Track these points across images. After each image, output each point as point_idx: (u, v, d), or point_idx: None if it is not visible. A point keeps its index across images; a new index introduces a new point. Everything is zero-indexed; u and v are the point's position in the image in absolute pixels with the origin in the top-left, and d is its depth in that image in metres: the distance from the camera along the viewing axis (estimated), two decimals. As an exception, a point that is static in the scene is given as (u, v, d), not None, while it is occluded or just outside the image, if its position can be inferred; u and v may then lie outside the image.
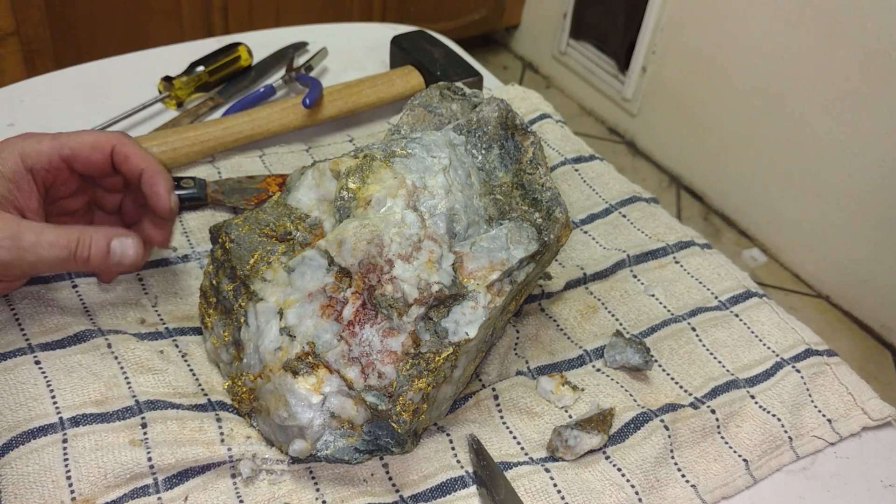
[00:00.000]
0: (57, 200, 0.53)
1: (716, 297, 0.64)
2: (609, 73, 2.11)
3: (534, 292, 0.61)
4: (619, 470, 0.51)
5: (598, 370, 0.57)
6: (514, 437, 0.52)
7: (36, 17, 1.46)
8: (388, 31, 0.92)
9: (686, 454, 0.53)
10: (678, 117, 1.95)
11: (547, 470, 0.50)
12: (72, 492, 0.44)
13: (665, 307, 0.63)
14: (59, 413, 0.46)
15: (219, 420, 0.49)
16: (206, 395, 0.51)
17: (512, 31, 2.44)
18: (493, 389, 0.54)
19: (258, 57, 0.86)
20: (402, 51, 0.83)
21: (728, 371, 0.59)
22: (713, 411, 0.55)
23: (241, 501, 0.46)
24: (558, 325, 0.60)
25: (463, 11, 2.20)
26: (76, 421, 0.46)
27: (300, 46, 0.89)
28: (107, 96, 0.78)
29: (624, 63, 2.05)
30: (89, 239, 0.47)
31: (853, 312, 1.69)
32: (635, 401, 0.55)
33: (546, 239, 0.51)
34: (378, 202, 0.49)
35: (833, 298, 1.73)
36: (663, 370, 0.58)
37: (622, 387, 0.56)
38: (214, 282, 0.53)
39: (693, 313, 0.62)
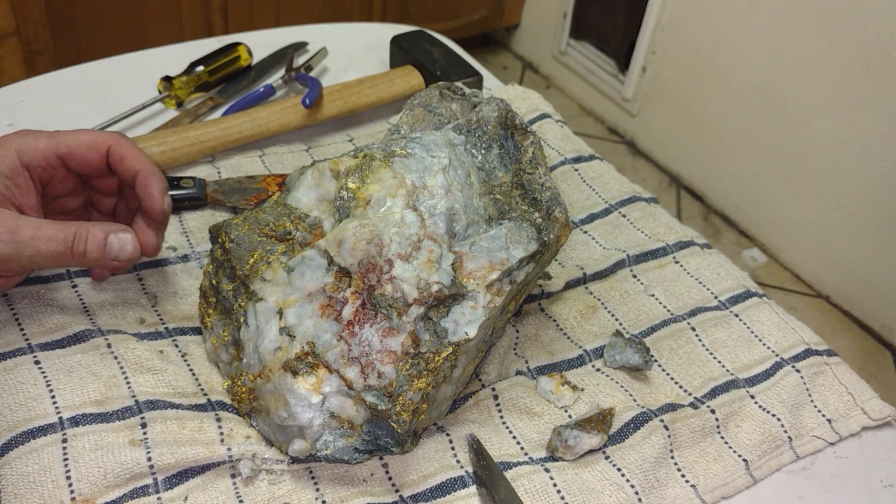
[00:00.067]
0: (54, 199, 0.53)
1: (716, 297, 0.64)
2: (609, 73, 2.11)
3: (533, 292, 0.61)
4: (619, 470, 0.51)
5: (598, 370, 0.57)
6: (514, 437, 0.52)
7: (36, 17, 1.46)
8: (388, 31, 0.92)
9: (686, 454, 0.53)
10: (678, 117, 1.95)
11: (547, 470, 0.50)
12: (71, 492, 0.44)
13: (665, 307, 0.63)
14: (58, 413, 0.46)
15: (218, 420, 0.49)
16: (205, 395, 0.51)
17: (512, 31, 2.44)
18: (493, 389, 0.54)
19: (258, 57, 0.86)
20: (401, 51, 0.83)
21: (728, 371, 0.59)
22: (713, 411, 0.55)
23: (240, 501, 0.46)
24: (558, 325, 0.60)
25: (463, 11, 2.20)
26: (76, 421, 0.46)
27: (300, 46, 0.89)
28: (107, 96, 0.78)
29: (624, 63, 2.05)
30: (86, 233, 0.47)
31: (853, 312, 1.69)
32: (635, 401, 0.55)
33: (546, 239, 0.51)
34: (378, 202, 0.49)
35: (833, 298, 1.72)
36: (663, 370, 0.58)
37: (622, 387, 0.56)
38: (214, 282, 0.53)
39: (693, 313, 0.62)
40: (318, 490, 0.47)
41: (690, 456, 0.53)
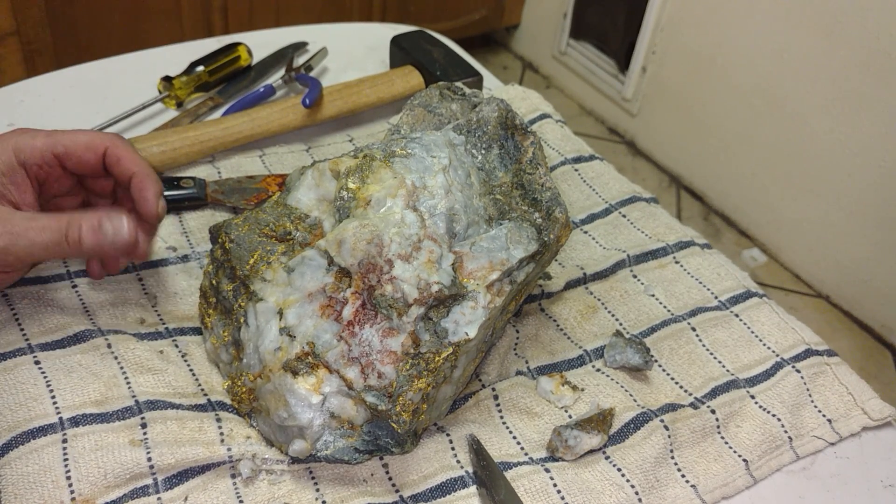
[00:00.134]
0: (51, 198, 0.53)
1: (716, 297, 0.64)
2: (609, 73, 2.11)
3: (534, 292, 0.61)
4: (619, 470, 0.51)
5: (598, 370, 0.57)
6: (514, 437, 0.52)
7: (36, 17, 1.46)
8: (388, 31, 0.92)
9: (686, 454, 0.53)
10: (678, 117, 1.95)
11: (547, 470, 0.50)
12: (71, 492, 0.44)
13: (665, 307, 0.63)
14: (58, 413, 0.46)
15: (219, 420, 0.49)
16: (205, 395, 0.51)
17: (512, 31, 2.44)
18: (493, 389, 0.54)
19: (258, 57, 0.86)
20: (402, 51, 0.83)
21: (728, 371, 0.59)
22: (713, 411, 0.55)
23: (240, 501, 0.46)
24: (558, 325, 0.60)
25: (463, 11, 2.20)
26: (76, 421, 0.46)
27: (300, 46, 0.89)
28: (107, 96, 0.78)
29: (624, 63, 2.05)
30: (80, 219, 0.47)
31: (853, 312, 1.69)
32: (635, 401, 0.55)
33: (546, 239, 0.51)
34: (378, 202, 0.49)
35: (833, 298, 1.72)
36: (663, 370, 0.58)
37: (622, 387, 0.56)
38: (214, 282, 0.53)
39: (693, 313, 0.62)
40: (318, 490, 0.47)
41: (691, 456, 0.53)
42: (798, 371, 0.59)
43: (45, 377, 0.48)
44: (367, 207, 0.49)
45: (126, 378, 0.49)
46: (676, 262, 0.67)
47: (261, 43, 0.87)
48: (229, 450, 0.47)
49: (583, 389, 0.55)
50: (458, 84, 0.59)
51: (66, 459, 0.45)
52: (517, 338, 0.58)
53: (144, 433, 0.47)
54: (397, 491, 0.48)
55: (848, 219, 1.62)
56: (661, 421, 0.53)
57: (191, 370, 0.52)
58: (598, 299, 0.63)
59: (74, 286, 0.55)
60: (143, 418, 0.47)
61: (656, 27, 1.91)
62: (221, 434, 0.48)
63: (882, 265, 1.59)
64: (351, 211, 0.49)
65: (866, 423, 0.57)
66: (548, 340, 0.59)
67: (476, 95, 0.57)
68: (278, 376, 0.47)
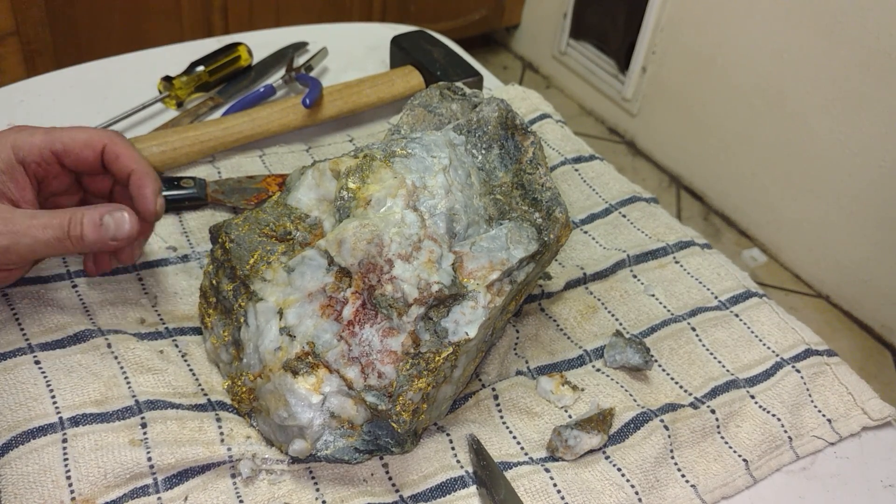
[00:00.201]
0: (50, 196, 0.53)
1: (716, 297, 0.64)
2: (609, 73, 2.11)
3: (534, 292, 0.61)
4: (619, 470, 0.51)
5: (598, 370, 0.57)
6: (514, 437, 0.52)
7: (36, 17, 1.46)
8: (388, 31, 0.92)
9: (686, 454, 0.53)
10: (678, 117, 1.95)
11: (547, 470, 0.50)
12: (72, 492, 0.44)
13: (665, 307, 0.63)
14: (58, 413, 0.46)
15: (219, 420, 0.49)
16: (205, 395, 0.51)
17: (512, 31, 2.44)
18: (493, 389, 0.54)
19: (258, 57, 0.86)
20: (402, 51, 0.83)
21: (728, 371, 0.59)
22: (713, 411, 0.55)
23: (241, 501, 0.46)
24: (558, 325, 0.60)
25: (463, 11, 2.20)
26: (76, 421, 0.46)
27: (300, 46, 0.89)
28: (107, 96, 0.78)
29: (624, 63, 2.05)
30: (81, 216, 0.47)
31: (853, 312, 1.69)
32: (635, 401, 0.55)
33: (546, 239, 0.51)
34: (378, 202, 0.49)
35: (833, 298, 1.72)
36: (663, 370, 0.58)
37: (622, 387, 0.56)
38: (214, 282, 0.53)
39: (693, 313, 0.62)
40: (318, 490, 0.47)
41: (690, 456, 0.53)
42: (798, 371, 0.59)
43: (45, 377, 0.48)
44: (367, 207, 0.49)
45: (126, 378, 0.49)
46: (676, 262, 0.67)
47: (261, 43, 0.87)
48: (229, 449, 0.47)
49: (583, 389, 0.55)
50: (459, 84, 0.59)
51: (66, 459, 0.45)
52: (517, 338, 0.58)
53: (144, 433, 0.47)
54: (397, 491, 0.48)
55: (848, 219, 1.62)
56: (661, 421, 0.53)
57: (191, 370, 0.52)
58: (598, 299, 0.63)
59: (74, 286, 0.55)
60: (143, 418, 0.47)
61: (656, 27, 1.91)
62: (221, 434, 0.48)
63: (882, 265, 1.59)
64: (351, 211, 0.49)
65: (866, 423, 0.57)
66: (548, 340, 0.59)
67: (476, 95, 0.57)
68: (278, 376, 0.47)
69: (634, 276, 0.65)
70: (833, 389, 0.58)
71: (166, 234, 0.61)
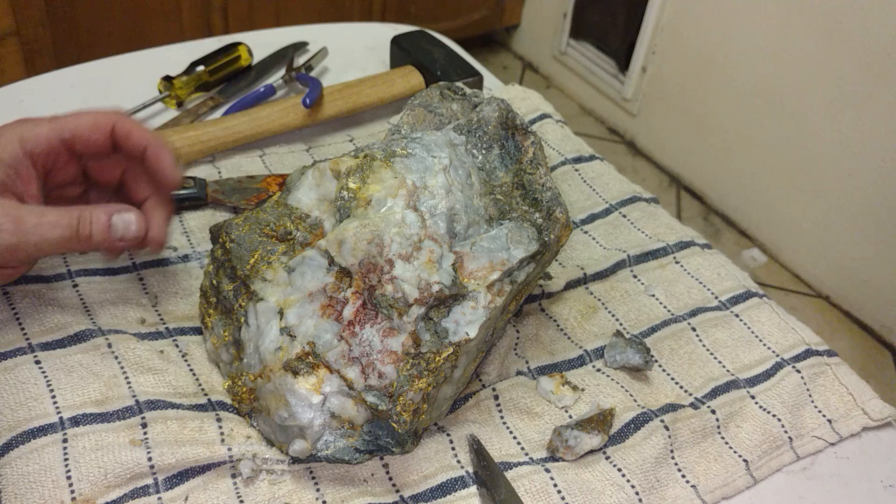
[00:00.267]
0: (55, 188, 0.52)
1: (716, 298, 0.64)
2: (609, 73, 2.12)
3: (534, 292, 0.61)
4: (620, 470, 0.51)
5: (599, 370, 0.57)
6: (515, 438, 0.52)
7: (36, 17, 1.46)
8: (388, 31, 0.92)
9: (686, 454, 0.53)
10: (678, 117, 1.95)
11: (547, 470, 0.50)
12: (72, 492, 0.44)
13: (665, 307, 0.63)
14: (59, 413, 0.46)
15: (219, 420, 0.49)
16: (206, 395, 0.51)
17: (512, 31, 2.44)
18: (494, 389, 0.54)
19: (258, 57, 0.86)
20: (402, 51, 0.83)
21: (728, 371, 0.59)
22: (713, 411, 0.55)
23: (241, 501, 0.46)
24: (558, 325, 0.60)
25: (463, 11, 2.20)
26: (76, 421, 0.46)
27: (300, 46, 0.89)
28: (107, 96, 0.78)
29: (624, 63, 2.05)
30: (90, 215, 0.47)
31: (853, 312, 1.69)
32: (635, 401, 0.55)
33: (546, 239, 0.51)
34: (378, 202, 0.49)
35: (833, 298, 1.73)
36: (663, 370, 0.58)
37: (622, 387, 0.56)
38: (214, 281, 0.53)
39: (693, 313, 0.62)
40: (318, 490, 0.47)
41: (691, 456, 0.53)
42: (798, 371, 0.59)
43: (45, 377, 0.48)
44: (367, 207, 0.49)
45: (126, 378, 0.49)
46: (677, 263, 0.67)
47: (261, 43, 0.87)
48: (230, 450, 0.47)
49: (583, 389, 0.55)
50: (459, 84, 0.59)
51: (66, 459, 0.45)
52: (517, 338, 0.58)
53: (145, 433, 0.47)
54: (397, 491, 0.48)
55: (848, 219, 1.62)
56: (662, 421, 0.53)
57: (191, 370, 0.52)
58: (599, 299, 0.63)
59: (75, 285, 0.55)
60: (143, 418, 0.47)
61: (656, 27, 1.91)
62: (222, 434, 0.48)
63: (882, 265, 1.59)
64: (351, 211, 0.49)
65: (866, 423, 0.57)
66: (548, 340, 0.59)
67: (476, 95, 0.57)
68: (279, 376, 0.47)
69: (635, 277, 0.65)
70: (833, 390, 0.58)
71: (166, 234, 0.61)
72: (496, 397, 0.54)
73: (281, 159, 0.72)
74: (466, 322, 0.47)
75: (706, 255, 0.68)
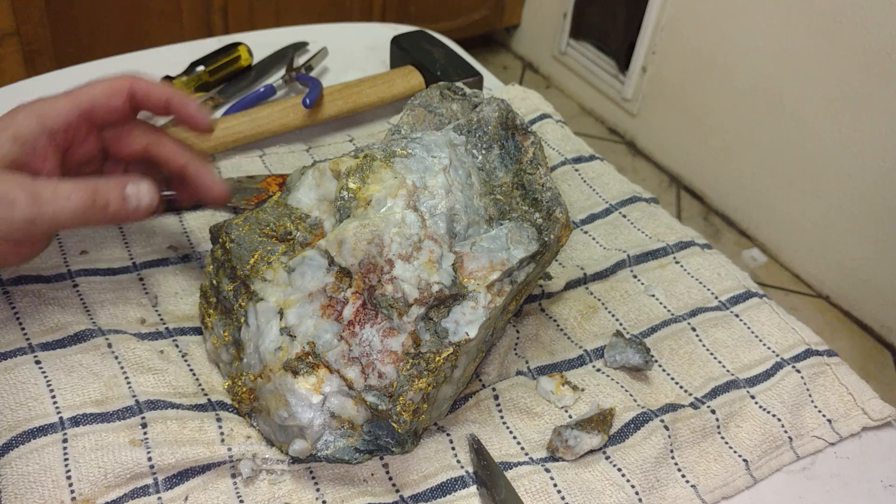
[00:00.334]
0: (73, 167, 0.51)
1: (716, 298, 0.64)
2: (609, 73, 2.12)
3: (534, 292, 0.61)
4: (620, 470, 0.51)
5: (599, 370, 0.57)
6: (515, 437, 0.52)
7: (36, 17, 1.46)
8: (388, 31, 0.92)
9: (686, 454, 0.53)
10: (678, 117, 1.95)
11: (547, 470, 0.50)
12: (72, 492, 0.44)
13: (665, 307, 0.63)
14: (59, 413, 0.46)
15: (219, 420, 0.49)
16: (206, 395, 0.51)
17: (512, 31, 2.44)
18: (494, 389, 0.54)
19: (258, 57, 0.86)
20: (402, 51, 0.83)
21: (728, 371, 0.59)
22: (713, 411, 0.55)
23: (241, 501, 0.46)
24: (558, 325, 0.60)
25: (463, 11, 2.20)
26: (76, 421, 0.46)
27: (300, 46, 0.89)
28: (107, 96, 0.78)
29: (624, 63, 2.05)
30: (105, 185, 0.46)
31: (853, 312, 1.69)
32: (635, 401, 0.55)
33: (546, 239, 0.51)
34: (378, 202, 0.49)
35: (833, 298, 1.73)
36: (663, 370, 0.58)
37: (622, 387, 0.56)
38: (214, 282, 0.53)
39: (693, 313, 0.62)
40: (318, 490, 0.47)
41: (691, 456, 0.53)
42: (798, 371, 0.59)
43: (45, 377, 0.48)
44: (367, 207, 0.49)
45: (126, 378, 0.49)
46: (677, 263, 0.67)
47: (261, 43, 0.87)
48: (230, 450, 0.47)
49: (583, 389, 0.55)
50: (459, 84, 0.59)
51: (66, 459, 0.45)
52: (517, 338, 0.58)
53: (145, 433, 0.47)
54: (397, 491, 0.48)
55: (848, 219, 1.62)
56: (662, 421, 0.53)
57: (191, 370, 0.52)
58: (599, 299, 0.63)
59: (75, 285, 0.55)
60: (143, 418, 0.47)
61: (656, 27, 1.91)
62: (222, 434, 0.48)
63: (882, 265, 1.59)
64: (351, 211, 0.49)
65: (866, 423, 0.57)
66: (548, 340, 0.59)
67: (476, 95, 0.57)
68: (279, 376, 0.47)
69: (635, 277, 0.65)
70: (833, 389, 0.58)
71: (166, 234, 0.61)
72: (496, 397, 0.54)
73: (281, 159, 0.72)
74: (466, 322, 0.47)
75: (706, 255, 0.68)
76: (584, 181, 0.74)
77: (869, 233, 1.59)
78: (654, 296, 0.63)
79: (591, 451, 0.51)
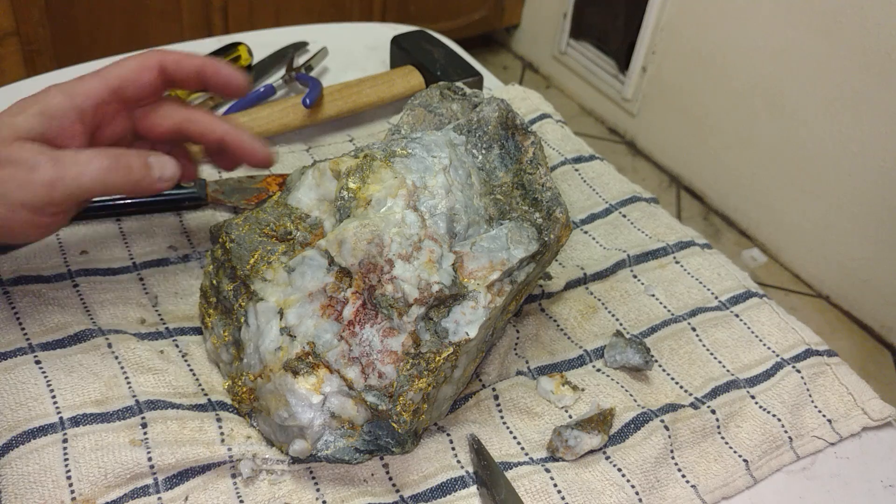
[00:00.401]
0: (101, 146, 0.50)
1: (716, 298, 0.64)
2: (609, 73, 2.12)
3: (534, 292, 0.61)
4: (620, 470, 0.51)
5: (599, 370, 0.57)
6: (515, 438, 0.52)
7: (36, 17, 1.46)
8: (388, 31, 0.92)
9: (686, 454, 0.53)
10: (678, 117, 1.95)
11: (547, 470, 0.50)
12: (72, 492, 0.44)
13: (665, 307, 0.63)
14: (59, 413, 0.46)
15: (219, 420, 0.49)
16: (206, 395, 0.51)
17: (512, 31, 2.44)
18: (494, 389, 0.54)
19: (258, 57, 0.86)
20: (402, 51, 0.83)
21: (728, 371, 0.59)
22: (713, 411, 0.55)
23: (241, 501, 0.46)
24: (558, 325, 0.60)
25: (463, 11, 2.20)
26: (76, 421, 0.46)
27: (300, 46, 0.89)
28: (107, 96, 0.78)
29: (624, 63, 2.05)
30: (127, 152, 0.46)
31: (853, 312, 1.69)
32: (635, 401, 0.55)
33: (546, 239, 0.51)
34: (378, 202, 0.49)
35: (833, 298, 1.73)
36: (663, 370, 0.58)
37: (622, 387, 0.56)
38: (214, 281, 0.53)
39: (693, 313, 0.62)
40: (318, 490, 0.47)
41: (691, 456, 0.53)
42: (798, 371, 0.59)
43: (45, 377, 0.48)
44: (367, 207, 0.49)
45: (126, 378, 0.49)
46: (677, 262, 0.67)
47: (261, 43, 0.87)
48: (230, 450, 0.47)
49: (583, 389, 0.55)
50: (459, 84, 0.59)
51: (66, 459, 0.45)
52: (517, 338, 0.58)
53: (145, 433, 0.47)
54: (398, 491, 0.48)
55: (848, 219, 1.62)
56: (662, 421, 0.53)
57: (191, 370, 0.52)
58: (599, 299, 0.63)
59: (75, 285, 0.55)
60: (143, 418, 0.47)
61: (656, 27, 1.91)
62: (222, 434, 0.48)
63: (882, 265, 1.59)
64: (351, 211, 0.49)
65: (866, 423, 0.57)
66: (548, 340, 0.59)
67: (476, 95, 0.57)
68: (279, 376, 0.47)
69: (635, 277, 0.65)
70: (833, 390, 0.58)
71: (166, 234, 0.61)
72: (496, 397, 0.54)
73: (281, 159, 0.72)
74: (466, 322, 0.47)
75: (706, 255, 0.68)
76: (584, 181, 0.74)
77: (869, 233, 1.59)
78: (654, 296, 0.63)
79: (592, 452, 0.51)
